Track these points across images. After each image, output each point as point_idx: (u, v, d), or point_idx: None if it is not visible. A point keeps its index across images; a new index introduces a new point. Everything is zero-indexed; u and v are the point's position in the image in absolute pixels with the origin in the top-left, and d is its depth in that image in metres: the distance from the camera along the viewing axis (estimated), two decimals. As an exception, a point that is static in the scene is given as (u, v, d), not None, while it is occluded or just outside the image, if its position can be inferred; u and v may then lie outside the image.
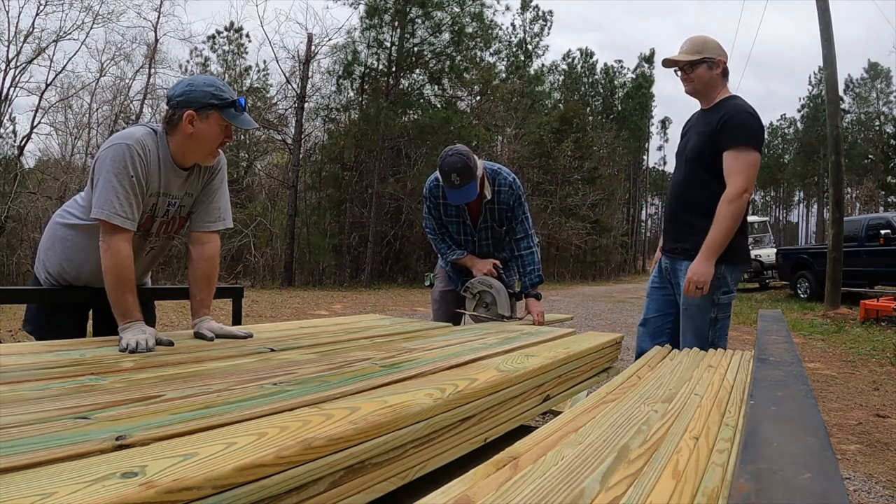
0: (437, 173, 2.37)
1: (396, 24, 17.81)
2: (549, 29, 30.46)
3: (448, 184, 2.25)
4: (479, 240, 2.53)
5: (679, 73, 2.15)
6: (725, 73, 2.13)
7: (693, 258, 2.04)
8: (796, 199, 58.00)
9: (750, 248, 16.97)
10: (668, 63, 2.16)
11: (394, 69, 18.21)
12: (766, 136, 2.24)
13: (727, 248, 2.03)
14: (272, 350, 1.34)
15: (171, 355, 1.22)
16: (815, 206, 51.77)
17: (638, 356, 2.15)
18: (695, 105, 2.24)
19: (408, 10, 17.51)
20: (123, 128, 1.62)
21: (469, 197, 2.29)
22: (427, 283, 2.83)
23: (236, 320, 2.23)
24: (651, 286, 2.36)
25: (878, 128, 40.92)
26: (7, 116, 15.78)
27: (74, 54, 24.67)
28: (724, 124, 1.97)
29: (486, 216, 2.47)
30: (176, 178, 1.62)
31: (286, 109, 18.83)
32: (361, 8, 17.74)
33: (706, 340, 1.99)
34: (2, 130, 15.66)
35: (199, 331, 1.57)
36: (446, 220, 2.53)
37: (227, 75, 21.91)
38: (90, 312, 1.88)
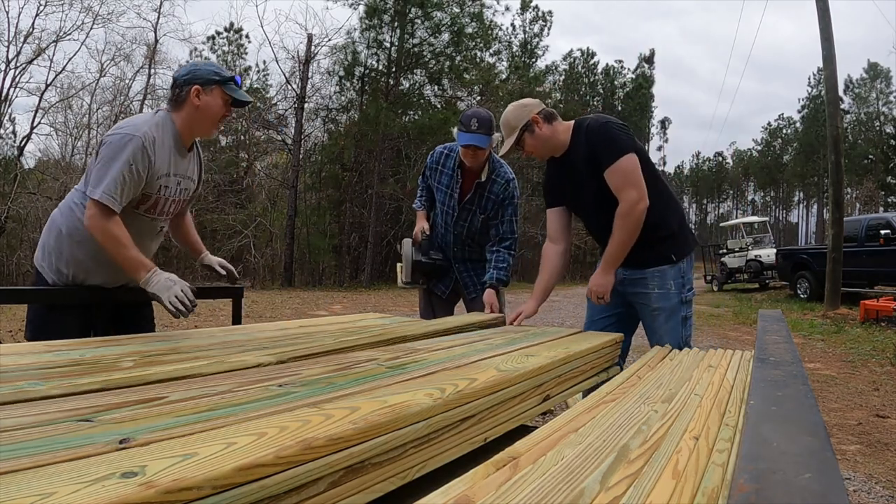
0: (446, 146, 2.59)
1: (396, 24, 17.82)
2: (549, 29, 30.52)
3: (465, 128, 2.34)
4: (457, 218, 2.58)
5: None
6: (548, 117, 2.04)
7: (653, 264, 2.01)
8: (796, 199, 58.01)
9: (750, 248, 16.95)
10: (506, 156, 2.15)
11: (393, 69, 18.21)
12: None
13: (679, 243, 2.02)
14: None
15: (173, 354, 1.22)
16: (815, 207, 51.78)
17: None
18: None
19: (407, 10, 17.52)
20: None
21: (479, 143, 2.35)
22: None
23: (236, 320, 2.23)
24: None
25: (878, 128, 40.92)
26: (7, 117, 15.79)
27: (74, 55, 24.67)
28: (593, 154, 1.94)
29: (473, 197, 2.53)
30: (181, 158, 1.83)
31: (286, 110, 18.86)
32: (361, 8, 17.77)
33: (681, 340, 1.97)
34: (2, 131, 15.67)
35: (210, 264, 2.12)
36: (437, 185, 2.62)
37: (226, 76, 21.87)
38: (87, 316, 1.89)
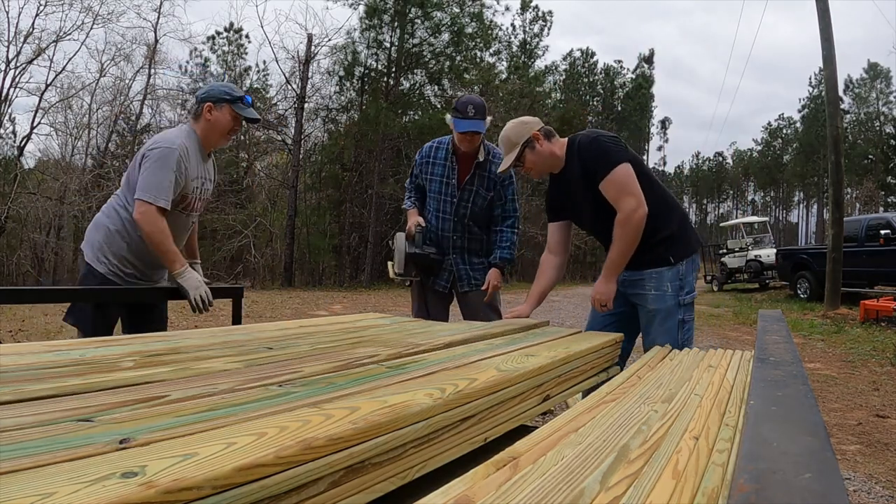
0: (434, 140, 2.69)
1: (396, 24, 17.82)
2: (549, 29, 30.56)
3: (462, 115, 2.42)
4: (459, 200, 2.61)
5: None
6: (547, 135, 2.06)
7: (651, 266, 2.03)
8: (796, 199, 58.02)
9: (750, 248, 16.93)
10: (504, 172, 2.19)
11: (393, 69, 18.22)
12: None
13: (678, 245, 2.03)
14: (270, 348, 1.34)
15: (174, 354, 1.22)
16: (815, 207, 51.79)
17: None
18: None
19: (407, 10, 17.52)
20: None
21: (478, 129, 2.43)
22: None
23: (236, 320, 2.23)
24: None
25: (878, 128, 40.92)
26: (7, 117, 15.80)
27: (74, 55, 24.68)
28: (586, 168, 1.96)
29: (472, 178, 2.59)
30: (203, 163, 2.18)
31: (286, 110, 18.86)
32: (361, 8, 17.78)
33: (676, 344, 1.95)
34: (2, 131, 15.67)
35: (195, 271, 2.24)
36: (430, 177, 2.66)
37: (226, 76, 21.92)
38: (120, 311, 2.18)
